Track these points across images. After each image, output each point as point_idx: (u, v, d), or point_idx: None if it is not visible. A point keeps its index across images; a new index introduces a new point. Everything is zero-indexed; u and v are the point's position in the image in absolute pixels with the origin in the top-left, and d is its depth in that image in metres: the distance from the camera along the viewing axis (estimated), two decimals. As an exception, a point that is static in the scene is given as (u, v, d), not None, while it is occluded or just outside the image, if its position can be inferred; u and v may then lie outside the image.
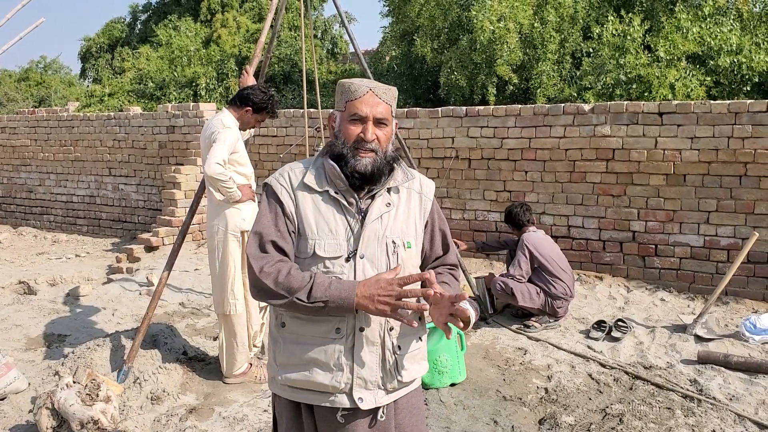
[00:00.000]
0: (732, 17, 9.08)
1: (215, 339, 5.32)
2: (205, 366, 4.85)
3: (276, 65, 14.75)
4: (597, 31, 8.57)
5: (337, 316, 2.05)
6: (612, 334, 5.34)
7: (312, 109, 5.61)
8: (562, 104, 7.47)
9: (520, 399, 4.28)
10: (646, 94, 7.35)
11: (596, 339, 5.30)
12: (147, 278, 7.15)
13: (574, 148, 7.26)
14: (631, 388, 4.40)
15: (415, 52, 10.32)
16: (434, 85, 10.58)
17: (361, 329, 2.06)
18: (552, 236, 7.30)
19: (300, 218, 2.11)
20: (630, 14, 8.38)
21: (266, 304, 2.18)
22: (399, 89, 8.99)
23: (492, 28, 8.72)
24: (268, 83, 13.67)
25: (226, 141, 4.35)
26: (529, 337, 5.39)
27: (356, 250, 2.07)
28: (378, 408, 2.10)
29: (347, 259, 2.07)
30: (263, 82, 6.46)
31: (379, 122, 2.11)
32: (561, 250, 5.98)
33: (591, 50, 8.85)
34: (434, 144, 8.09)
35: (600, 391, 4.38)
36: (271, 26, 5.42)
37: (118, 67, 21.70)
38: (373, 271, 2.06)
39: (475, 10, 8.92)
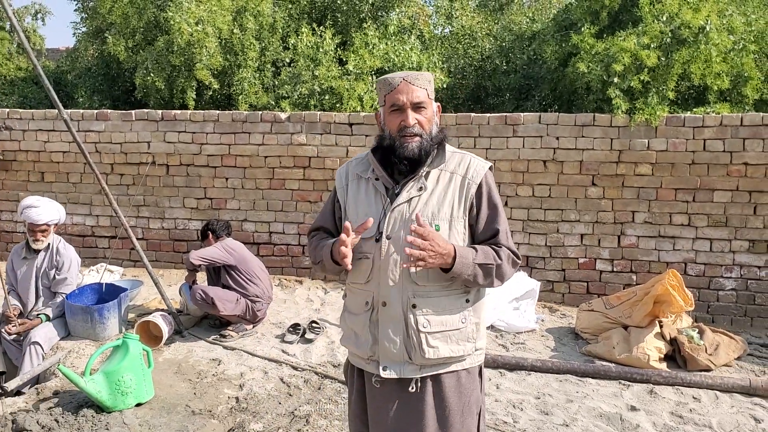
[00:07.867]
0: (415, 36, 9.99)
1: None
2: None
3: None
4: (293, 42, 8.82)
5: (367, 291, 2.29)
6: (306, 336, 5.51)
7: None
8: (260, 112, 7.57)
9: (210, 411, 4.19)
10: (338, 105, 7.74)
11: (291, 342, 5.42)
12: None
13: (273, 155, 7.39)
14: (319, 388, 4.57)
15: (108, 51, 9.65)
16: (132, 87, 10.00)
17: (384, 304, 2.25)
18: (254, 243, 7.36)
19: (346, 203, 2.41)
20: (322, 28, 8.77)
21: None
22: (94, 90, 8.21)
23: (190, 30, 8.49)
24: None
25: None
26: (225, 347, 5.32)
27: (382, 231, 2.26)
28: (408, 379, 2.26)
29: (376, 240, 2.26)
30: None
31: (417, 107, 2.27)
32: (263, 256, 6.10)
33: (289, 60, 9.08)
34: (128, 149, 7.66)
35: (290, 395, 4.47)
36: None
37: None
38: (393, 250, 2.24)
39: (171, 11, 8.61)
